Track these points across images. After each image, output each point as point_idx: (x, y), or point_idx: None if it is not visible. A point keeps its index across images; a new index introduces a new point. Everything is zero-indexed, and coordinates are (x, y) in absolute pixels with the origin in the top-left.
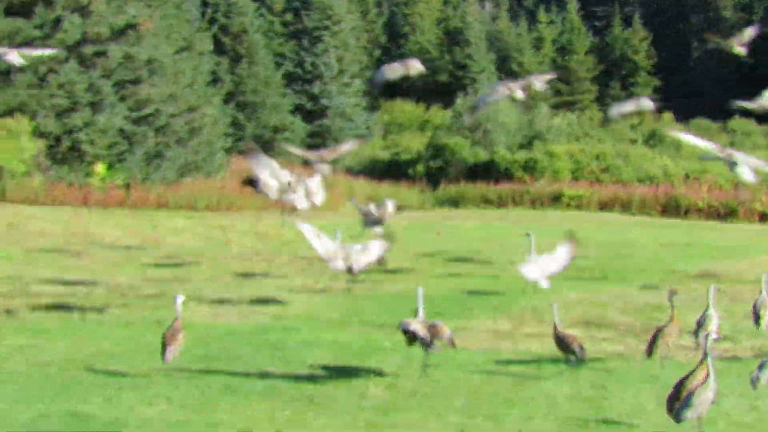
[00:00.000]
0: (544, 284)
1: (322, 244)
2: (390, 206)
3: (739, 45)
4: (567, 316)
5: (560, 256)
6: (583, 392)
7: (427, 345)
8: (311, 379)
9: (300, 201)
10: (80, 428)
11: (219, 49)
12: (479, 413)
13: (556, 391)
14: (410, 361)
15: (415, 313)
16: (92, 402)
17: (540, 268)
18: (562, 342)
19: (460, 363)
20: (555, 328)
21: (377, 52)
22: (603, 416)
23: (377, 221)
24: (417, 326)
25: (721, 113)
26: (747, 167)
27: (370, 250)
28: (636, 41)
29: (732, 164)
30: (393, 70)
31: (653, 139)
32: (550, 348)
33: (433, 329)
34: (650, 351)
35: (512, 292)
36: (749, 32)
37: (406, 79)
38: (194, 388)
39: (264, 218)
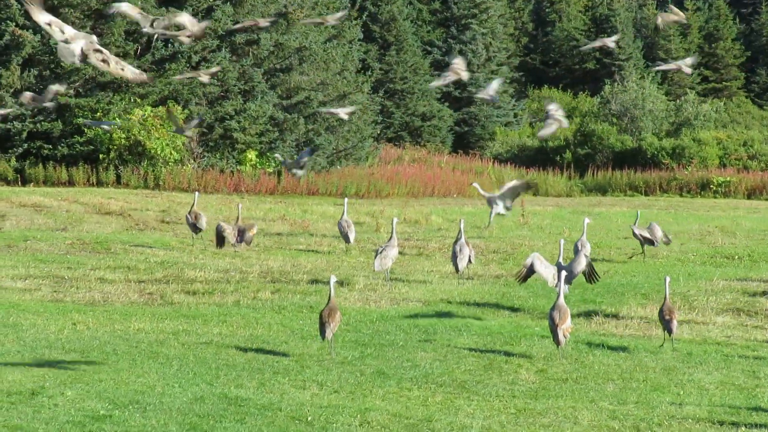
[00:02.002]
0: None
1: None
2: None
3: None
4: (716, 303)
5: None
6: (734, 380)
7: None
8: (462, 364)
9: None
10: (235, 411)
11: (368, 36)
12: (630, 400)
13: (707, 379)
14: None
15: None
16: (246, 386)
17: None
18: (661, 314)
19: (611, 349)
20: (664, 300)
21: (524, 39)
22: (755, 404)
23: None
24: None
25: None
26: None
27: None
28: None
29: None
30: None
31: None
32: (702, 335)
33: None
34: None
35: (662, 278)
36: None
37: (553, 66)
38: (346, 373)
39: (412, 205)
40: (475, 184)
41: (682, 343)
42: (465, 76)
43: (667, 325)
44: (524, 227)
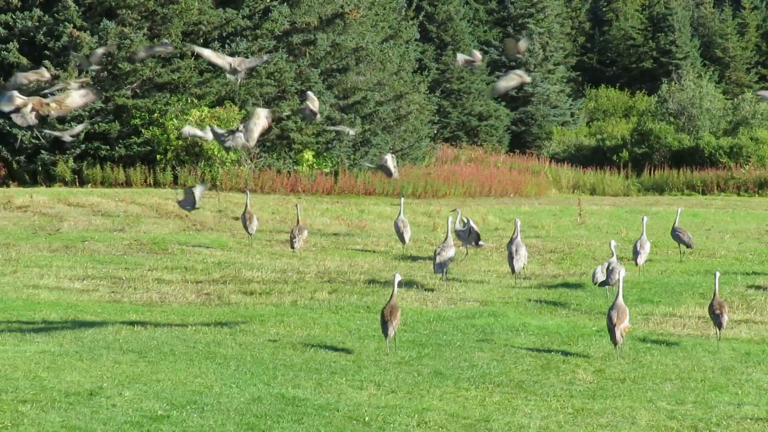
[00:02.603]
0: None
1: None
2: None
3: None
4: None
5: None
6: None
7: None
8: (519, 364)
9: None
10: (292, 412)
11: (425, 36)
12: (688, 399)
13: (766, 378)
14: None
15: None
16: (304, 386)
17: None
18: (711, 308)
19: (669, 349)
20: (714, 295)
21: (581, 39)
22: None
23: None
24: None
25: None
26: None
27: None
28: None
29: None
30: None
31: None
32: (760, 335)
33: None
34: None
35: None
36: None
37: (610, 65)
38: (403, 373)
39: (469, 205)
40: (458, 210)
41: (740, 343)
42: (318, 119)
43: (717, 320)
44: (581, 227)
